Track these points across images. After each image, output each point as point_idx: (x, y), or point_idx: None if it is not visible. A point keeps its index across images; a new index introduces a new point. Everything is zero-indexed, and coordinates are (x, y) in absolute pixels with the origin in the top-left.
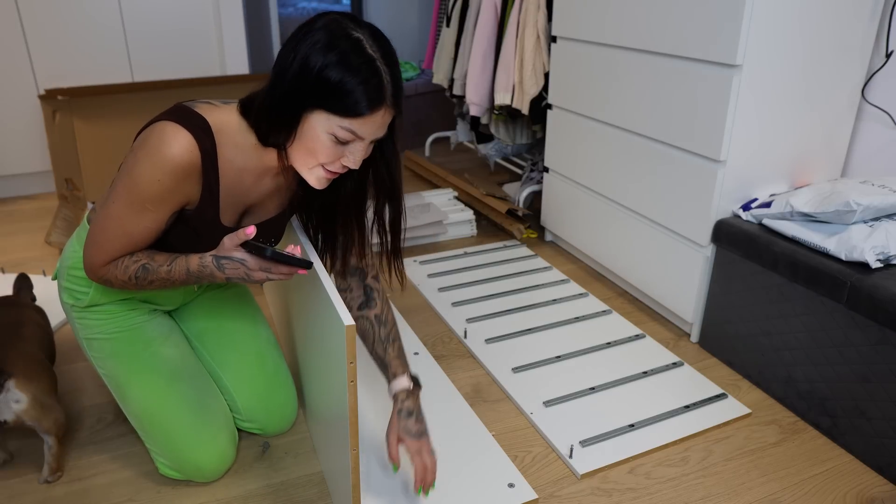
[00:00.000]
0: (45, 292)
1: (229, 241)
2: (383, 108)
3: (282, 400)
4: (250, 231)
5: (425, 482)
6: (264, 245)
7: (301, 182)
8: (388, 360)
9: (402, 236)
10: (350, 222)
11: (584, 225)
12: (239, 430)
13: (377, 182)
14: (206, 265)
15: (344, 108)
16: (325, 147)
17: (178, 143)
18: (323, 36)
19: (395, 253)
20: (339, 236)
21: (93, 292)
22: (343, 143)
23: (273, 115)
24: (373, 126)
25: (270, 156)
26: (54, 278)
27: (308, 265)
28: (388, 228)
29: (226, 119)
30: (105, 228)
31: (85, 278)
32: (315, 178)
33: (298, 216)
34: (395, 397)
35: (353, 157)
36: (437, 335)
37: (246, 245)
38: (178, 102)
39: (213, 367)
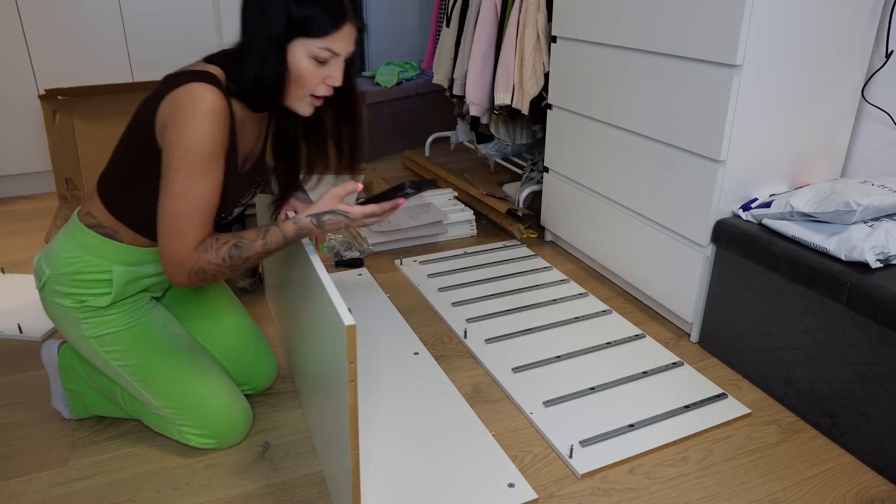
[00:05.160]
0: None
1: (334, 195)
2: (348, 21)
3: (265, 357)
4: (360, 185)
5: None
6: (403, 184)
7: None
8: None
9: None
10: (322, 143)
11: (584, 225)
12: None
13: (340, 102)
14: (304, 226)
15: (316, 29)
16: (310, 71)
17: (210, 94)
18: None
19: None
20: (307, 161)
21: (116, 289)
22: (323, 62)
23: (264, 72)
24: (344, 40)
25: None
26: (41, 287)
27: (433, 183)
28: (350, 142)
29: (218, 73)
30: (177, 212)
31: (102, 279)
32: (305, 105)
33: (272, 154)
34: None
35: (336, 75)
36: (437, 335)
37: (382, 193)
38: (168, 75)
39: (201, 342)
